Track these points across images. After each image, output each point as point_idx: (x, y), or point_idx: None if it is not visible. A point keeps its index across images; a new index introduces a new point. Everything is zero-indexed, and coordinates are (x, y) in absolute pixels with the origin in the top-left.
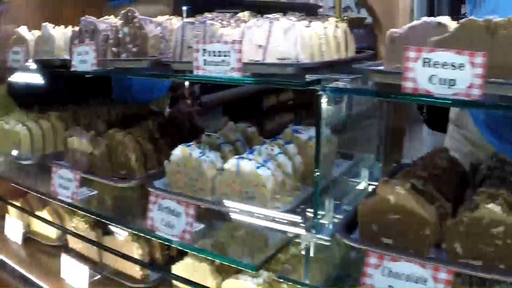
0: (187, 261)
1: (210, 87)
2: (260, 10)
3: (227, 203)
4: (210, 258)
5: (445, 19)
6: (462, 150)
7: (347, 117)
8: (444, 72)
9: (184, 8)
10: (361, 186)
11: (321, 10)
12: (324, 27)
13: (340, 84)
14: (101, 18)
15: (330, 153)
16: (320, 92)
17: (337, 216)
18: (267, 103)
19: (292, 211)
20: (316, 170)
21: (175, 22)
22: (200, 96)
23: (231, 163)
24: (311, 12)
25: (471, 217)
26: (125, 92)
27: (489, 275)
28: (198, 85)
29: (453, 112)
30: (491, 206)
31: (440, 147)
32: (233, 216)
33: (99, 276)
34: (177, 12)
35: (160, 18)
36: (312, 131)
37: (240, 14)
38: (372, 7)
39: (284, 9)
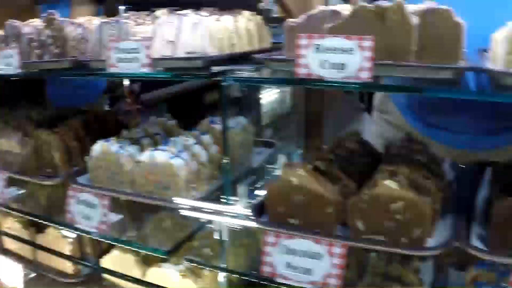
0: (114, 253)
1: (151, 85)
2: (196, 6)
3: (142, 193)
4: (135, 250)
5: (341, 7)
6: (386, 135)
7: (268, 107)
8: (335, 57)
9: (123, 7)
10: (279, 173)
11: (262, 4)
12: (235, 21)
13: (242, 74)
14: (26, 22)
15: (245, 142)
16: (223, 83)
17: (251, 202)
18: (209, 98)
19: (208, 198)
20: (224, 158)
21: (96, 23)
22: (141, 94)
23: (146, 155)
24: (248, 7)
25: (370, 194)
26: (61, 95)
27: (385, 248)
28: (138, 83)
29: (377, 98)
30: (387, 182)
31: (352, 131)
32: (149, 206)
33: (34, 274)
34: (112, 13)
35: (81, 19)
36: (231, 122)
37: (157, 12)
38: (287, 5)
39: (221, 5)
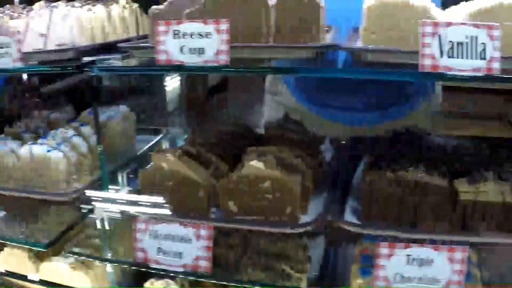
0: (6, 251)
1: (50, 77)
2: None
3: (24, 188)
4: (27, 246)
5: None
6: (278, 117)
7: (171, 93)
8: (194, 41)
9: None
10: None
11: None
12: (108, 10)
13: (112, 64)
14: None
15: (127, 130)
16: (92, 73)
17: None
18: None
19: (89, 189)
20: (99, 147)
21: None
22: (39, 87)
23: (25, 150)
24: None
25: (238, 175)
26: None
27: (255, 227)
28: (36, 77)
29: (267, 80)
30: (254, 163)
31: (234, 114)
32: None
33: None
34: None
35: None
36: (111, 111)
37: (36, 5)
38: None
39: None
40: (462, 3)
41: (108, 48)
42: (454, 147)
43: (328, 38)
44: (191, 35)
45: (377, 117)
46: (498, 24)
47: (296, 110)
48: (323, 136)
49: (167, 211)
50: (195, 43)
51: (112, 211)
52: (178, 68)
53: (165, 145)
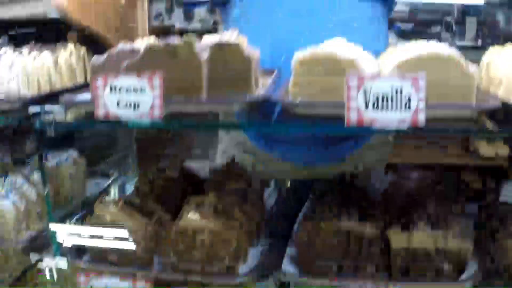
0: None
1: None
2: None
3: None
4: None
5: (140, 44)
6: (231, 153)
7: (101, 137)
8: (129, 96)
9: None
10: None
11: None
12: (55, 57)
13: (52, 116)
14: None
15: (76, 175)
16: (35, 127)
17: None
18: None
19: (38, 238)
20: (45, 194)
21: None
22: None
23: None
24: None
25: (177, 227)
26: None
27: (194, 278)
28: None
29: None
30: (191, 214)
31: (176, 159)
32: None
33: None
34: None
35: None
36: (61, 156)
37: None
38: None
39: None
40: (407, 44)
41: (55, 96)
42: (395, 188)
43: (266, 85)
44: (126, 89)
45: (328, 154)
46: (423, 74)
47: (247, 147)
48: (267, 180)
49: (107, 264)
50: (130, 97)
51: (57, 261)
52: (116, 122)
53: (115, 190)
